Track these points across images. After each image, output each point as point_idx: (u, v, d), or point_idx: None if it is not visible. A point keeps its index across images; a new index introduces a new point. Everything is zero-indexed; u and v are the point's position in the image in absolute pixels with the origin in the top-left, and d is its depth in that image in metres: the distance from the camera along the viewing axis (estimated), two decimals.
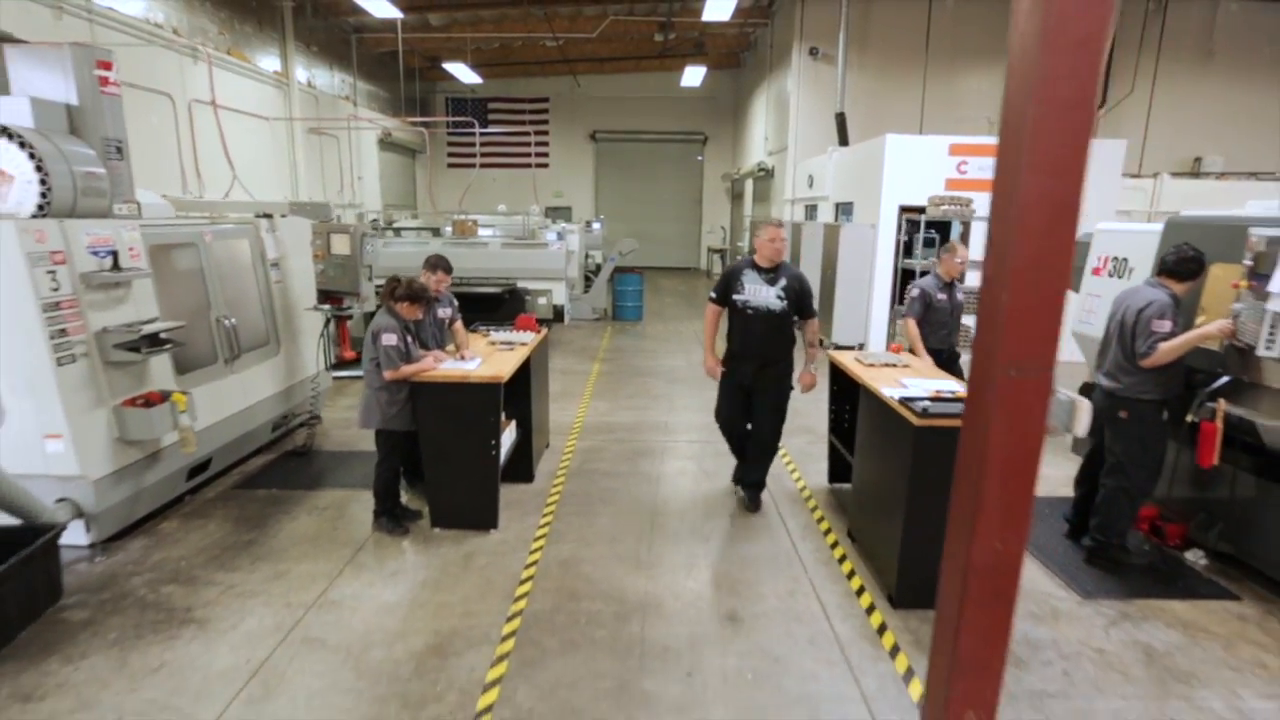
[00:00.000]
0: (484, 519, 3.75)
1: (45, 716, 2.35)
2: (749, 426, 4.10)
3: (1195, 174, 11.65)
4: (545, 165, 18.60)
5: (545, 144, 18.63)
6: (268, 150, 11.04)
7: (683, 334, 10.09)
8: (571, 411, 6.07)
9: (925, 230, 7.56)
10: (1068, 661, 2.76)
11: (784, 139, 12.57)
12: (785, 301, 3.88)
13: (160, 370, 3.68)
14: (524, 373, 4.17)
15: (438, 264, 4.05)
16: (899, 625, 2.97)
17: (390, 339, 3.47)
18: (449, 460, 3.64)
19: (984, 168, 8.01)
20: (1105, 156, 7.77)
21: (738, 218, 17.83)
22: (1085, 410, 2.20)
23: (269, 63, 11.34)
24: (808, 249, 9.33)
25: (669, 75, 16.64)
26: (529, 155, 16.87)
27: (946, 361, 4.45)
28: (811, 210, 11.28)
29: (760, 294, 3.88)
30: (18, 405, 3.12)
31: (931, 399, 3.11)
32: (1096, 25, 1.15)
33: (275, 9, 11.56)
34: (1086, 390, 3.75)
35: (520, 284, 9.74)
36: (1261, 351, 2.99)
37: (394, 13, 10.82)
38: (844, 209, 9.66)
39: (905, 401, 3.07)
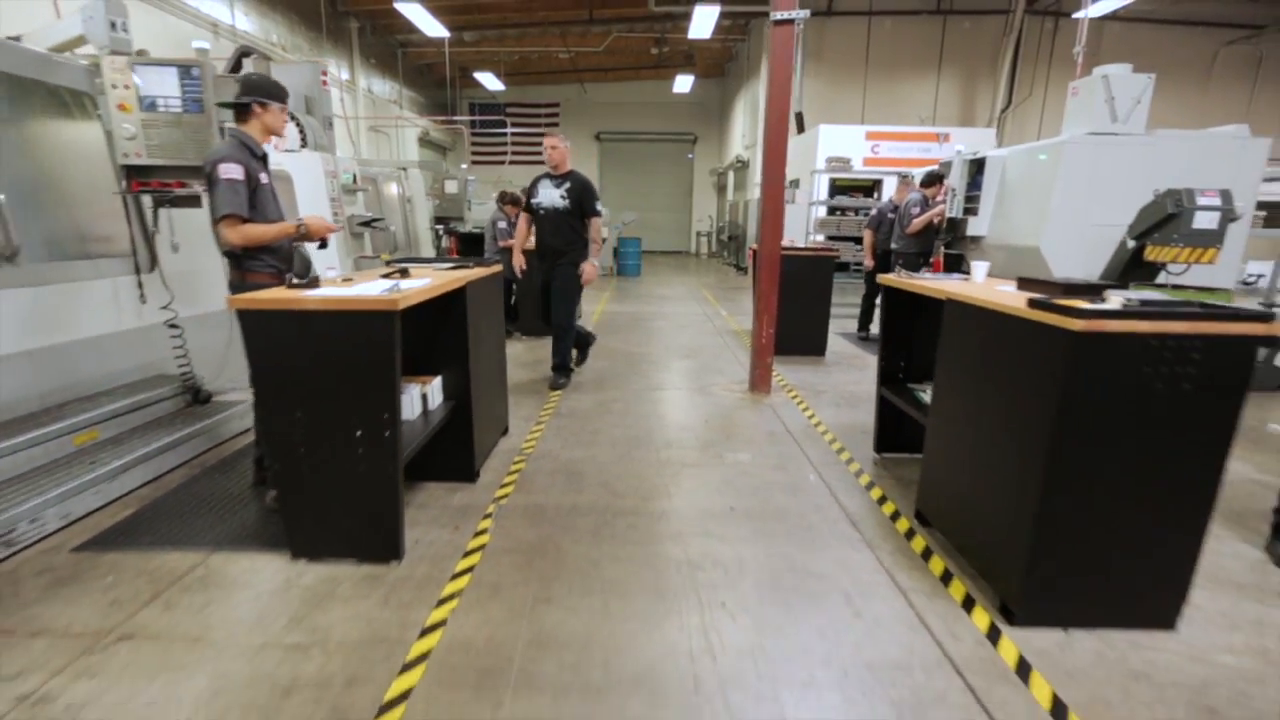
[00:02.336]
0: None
1: None
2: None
3: None
4: None
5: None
6: (345, 142, 14.19)
7: (671, 280, 13.22)
8: (589, 310, 9.15)
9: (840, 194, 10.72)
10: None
11: (756, 134, 15.74)
12: (568, 201, 4.62)
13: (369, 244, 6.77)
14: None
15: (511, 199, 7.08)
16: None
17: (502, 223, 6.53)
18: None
19: (891, 149, 11.16)
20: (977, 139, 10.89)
21: (722, 208, 20.98)
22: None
23: (342, 72, 14.53)
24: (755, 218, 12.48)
25: (663, 83, 19.87)
26: (539, 152, 20.07)
27: (883, 255, 7.14)
28: None
29: (549, 196, 4.69)
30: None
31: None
32: (784, 98, 4.27)
33: (345, 29, 14.79)
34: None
35: None
36: (951, 214, 6.10)
37: (443, 32, 14.02)
38: (793, 184, 12.81)
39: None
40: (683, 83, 18.48)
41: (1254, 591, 2.39)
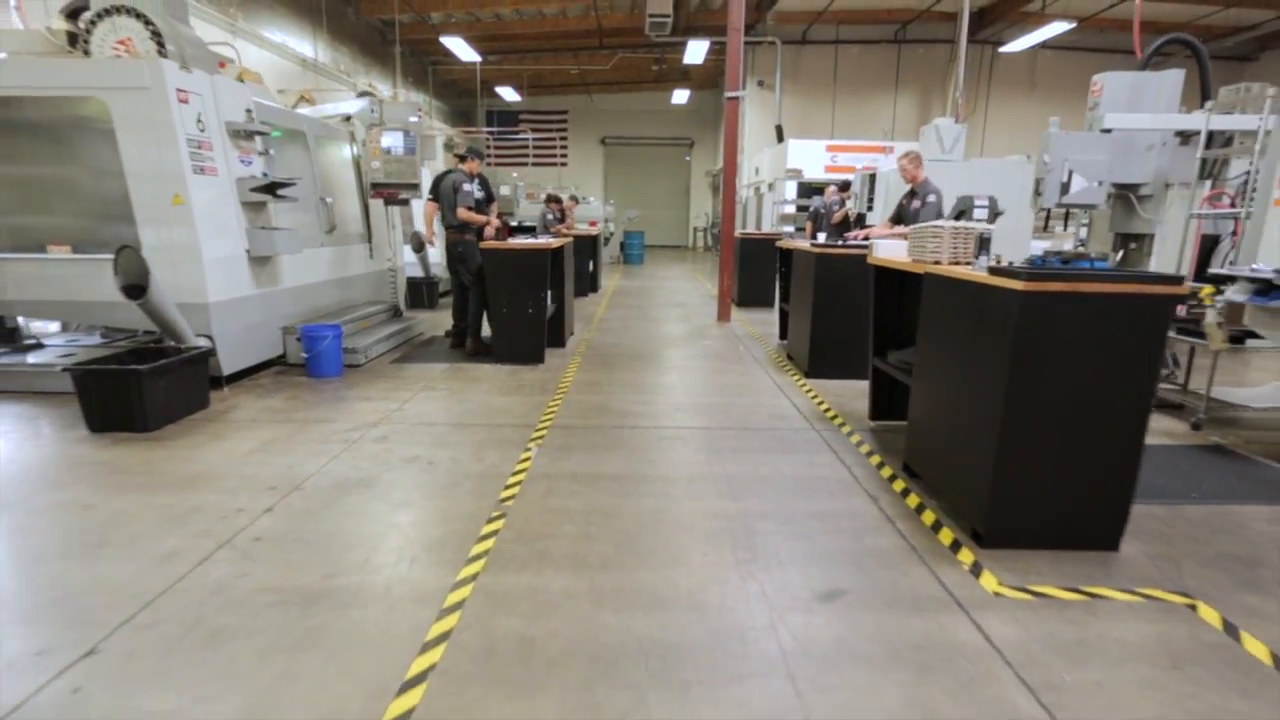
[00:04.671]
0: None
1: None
2: None
3: None
4: (565, 164, 25.02)
5: (565, 147, 25.06)
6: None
7: (669, 267, 16.46)
8: (606, 285, 12.36)
9: (805, 195, 13.96)
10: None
11: (743, 142, 18.99)
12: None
13: None
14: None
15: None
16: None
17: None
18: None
19: (847, 158, 14.38)
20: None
21: (717, 206, 24.21)
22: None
23: (387, 89, 17.73)
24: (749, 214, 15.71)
25: (663, 94, 23.12)
26: (554, 156, 23.31)
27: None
28: (756, 188, 17.68)
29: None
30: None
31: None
32: (734, 148, 7.50)
33: (391, 54, 18.00)
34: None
35: None
36: (857, 210, 9.33)
37: (476, 57, 17.24)
38: (770, 186, 16.05)
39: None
40: (680, 95, 21.76)
41: None
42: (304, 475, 3.32)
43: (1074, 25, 14.14)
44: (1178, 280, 2.46)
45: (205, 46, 5.17)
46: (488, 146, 25.20)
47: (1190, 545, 2.74)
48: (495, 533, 2.76)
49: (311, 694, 1.83)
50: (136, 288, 4.17)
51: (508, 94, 21.76)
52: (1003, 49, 16.42)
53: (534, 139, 24.23)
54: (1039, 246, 8.59)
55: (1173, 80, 5.48)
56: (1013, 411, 2.52)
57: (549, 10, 17.04)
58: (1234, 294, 3.59)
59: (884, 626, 2.16)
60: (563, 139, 24.62)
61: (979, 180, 8.05)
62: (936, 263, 3.24)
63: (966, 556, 2.62)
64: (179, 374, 4.19)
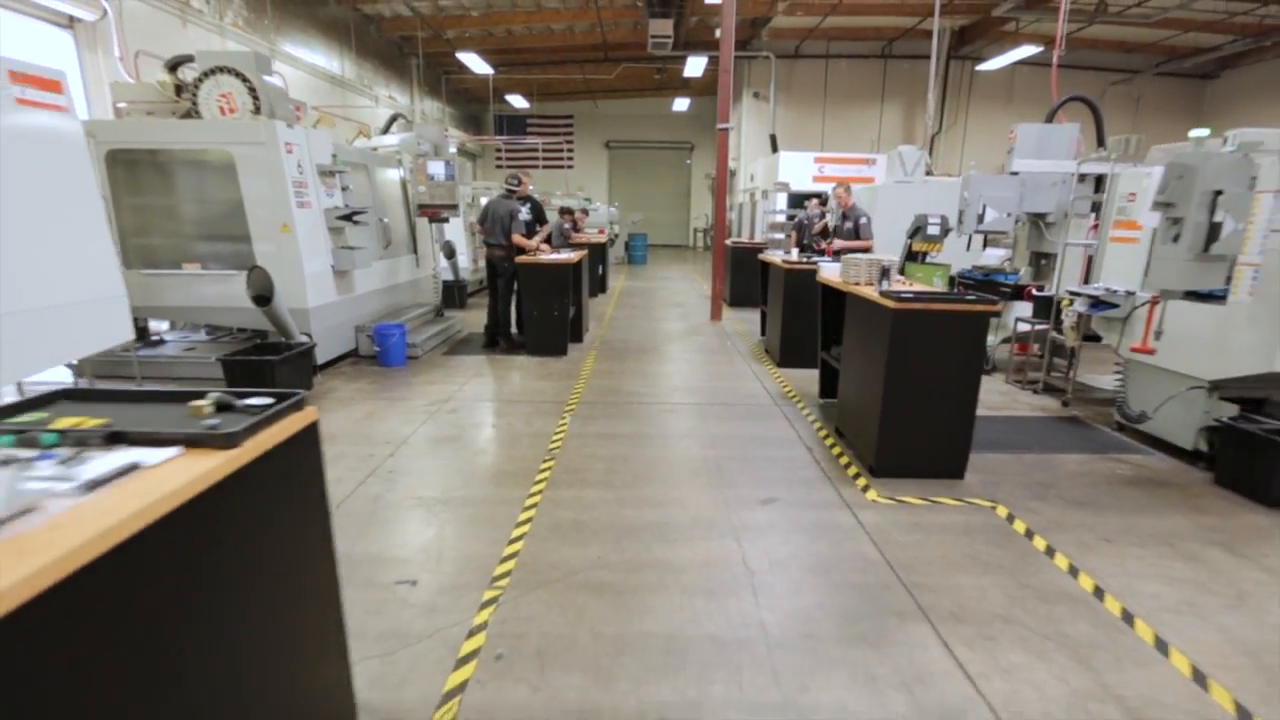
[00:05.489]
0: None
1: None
2: None
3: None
4: (571, 167, 26.34)
5: (571, 151, 26.38)
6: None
7: (670, 267, 17.82)
8: (613, 285, 13.72)
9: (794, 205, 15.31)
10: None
11: (740, 150, 20.32)
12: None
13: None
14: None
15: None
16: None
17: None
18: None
19: (834, 169, 15.71)
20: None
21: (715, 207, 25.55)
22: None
23: (403, 97, 19.07)
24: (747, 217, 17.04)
25: (664, 100, 24.41)
26: (561, 159, 24.63)
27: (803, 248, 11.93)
28: (751, 194, 19.01)
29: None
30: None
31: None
32: (724, 170, 8.85)
33: (408, 66, 19.31)
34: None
35: None
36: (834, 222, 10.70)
37: (489, 70, 18.54)
38: (764, 194, 17.39)
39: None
40: (680, 103, 23.06)
41: None
42: (406, 435, 4.70)
43: (1041, 49, 15.45)
44: (992, 302, 3.84)
45: (285, 95, 6.53)
46: (498, 151, 26.56)
47: (1013, 476, 4.11)
48: (549, 468, 4.14)
49: (459, 545, 3.21)
50: (263, 298, 5.54)
51: (517, 101, 23.06)
52: (979, 67, 17.72)
53: (542, 144, 25.56)
54: (995, 255, 9.88)
55: (1070, 132, 6.83)
56: (890, 388, 3.89)
57: (557, 26, 18.34)
58: (1078, 305, 4.96)
59: (797, 517, 3.55)
60: (569, 143, 25.94)
61: (935, 199, 9.41)
62: (857, 284, 4.60)
63: (861, 482, 4.00)
64: (295, 363, 5.57)
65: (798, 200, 16.39)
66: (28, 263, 3.27)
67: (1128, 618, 2.70)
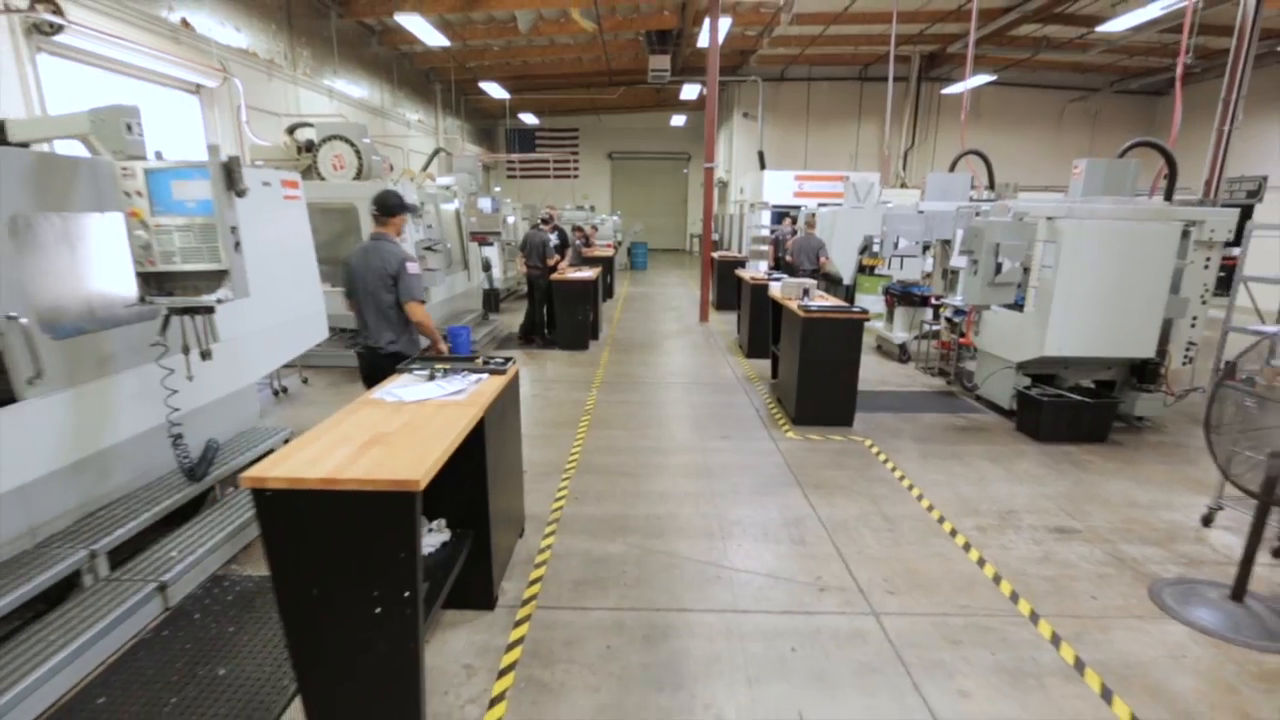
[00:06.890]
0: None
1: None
2: None
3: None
4: (577, 176, 28.70)
5: (577, 162, 28.73)
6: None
7: (668, 273, 20.16)
8: (619, 290, 16.06)
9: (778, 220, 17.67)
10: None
11: (730, 164, 22.65)
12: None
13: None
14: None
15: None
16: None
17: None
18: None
19: (812, 186, 18.04)
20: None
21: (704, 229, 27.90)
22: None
23: (430, 119, 21.40)
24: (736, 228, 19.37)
25: (663, 115, 26.74)
26: (567, 169, 26.97)
27: (788, 267, 14.21)
28: (741, 205, 21.35)
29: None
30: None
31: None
32: (710, 199, 11.20)
33: (433, 91, 21.64)
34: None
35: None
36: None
37: (506, 95, 20.87)
38: (751, 207, 19.72)
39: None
40: (678, 119, 25.40)
41: None
42: None
43: (994, 79, 17.78)
44: (864, 311, 6.22)
45: (378, 152, 8.88)
46: (510, 164, 28.89)
47: (886, 426, 6.47)
48: (588, 419, 6.50)
49: (544, 456, 5.59)
50: None
51: (528, 118, 25.40)
52: (944, 91, 20.03)
53: (551, 157, 27.90)
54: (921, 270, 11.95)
55: (964, 179, 9.15)
56: (803, 367, 6.25)
57: (568, 57, 20.67)
58: (946, 312, 7.30)
59: (742, 444, 5.92)
60: (574, 155, 28.29)
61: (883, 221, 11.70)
62: (789, 299, 6.94)
63: (785, 428, 6.36)
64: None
65: (779, 216, 18.77)
66: (283, 293, 5.61)
67: (910, 487, 5.06)
